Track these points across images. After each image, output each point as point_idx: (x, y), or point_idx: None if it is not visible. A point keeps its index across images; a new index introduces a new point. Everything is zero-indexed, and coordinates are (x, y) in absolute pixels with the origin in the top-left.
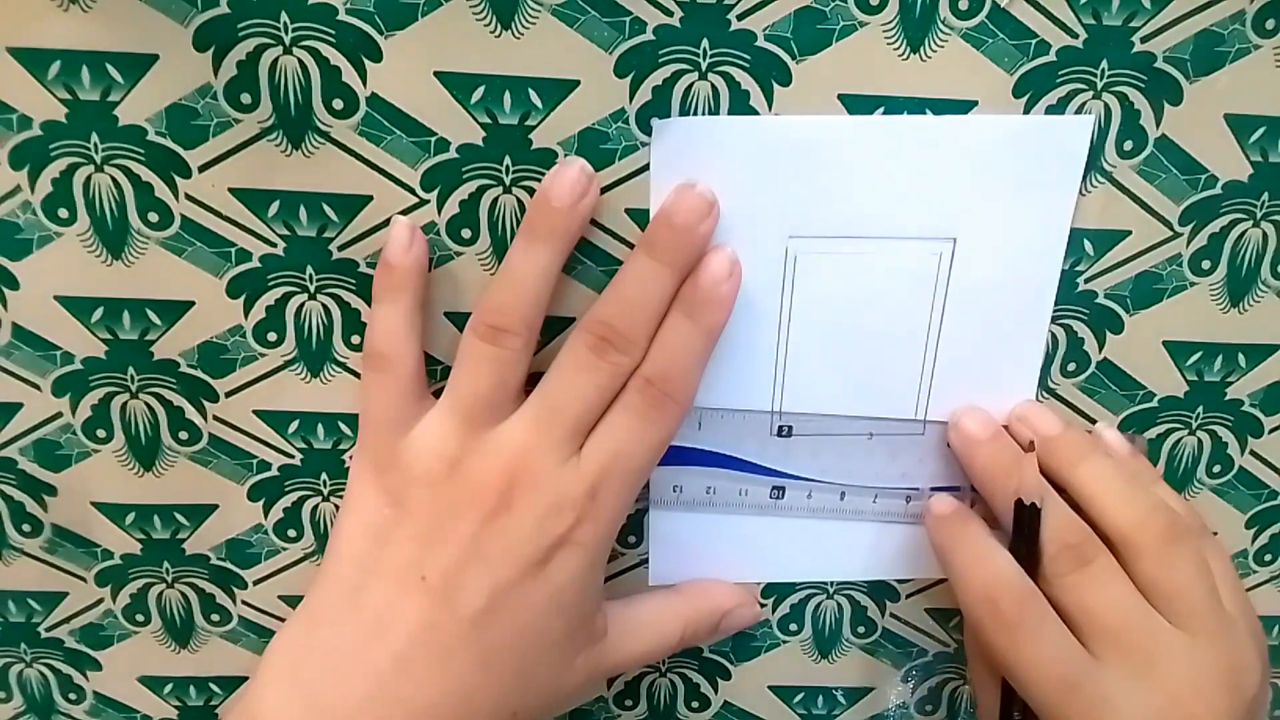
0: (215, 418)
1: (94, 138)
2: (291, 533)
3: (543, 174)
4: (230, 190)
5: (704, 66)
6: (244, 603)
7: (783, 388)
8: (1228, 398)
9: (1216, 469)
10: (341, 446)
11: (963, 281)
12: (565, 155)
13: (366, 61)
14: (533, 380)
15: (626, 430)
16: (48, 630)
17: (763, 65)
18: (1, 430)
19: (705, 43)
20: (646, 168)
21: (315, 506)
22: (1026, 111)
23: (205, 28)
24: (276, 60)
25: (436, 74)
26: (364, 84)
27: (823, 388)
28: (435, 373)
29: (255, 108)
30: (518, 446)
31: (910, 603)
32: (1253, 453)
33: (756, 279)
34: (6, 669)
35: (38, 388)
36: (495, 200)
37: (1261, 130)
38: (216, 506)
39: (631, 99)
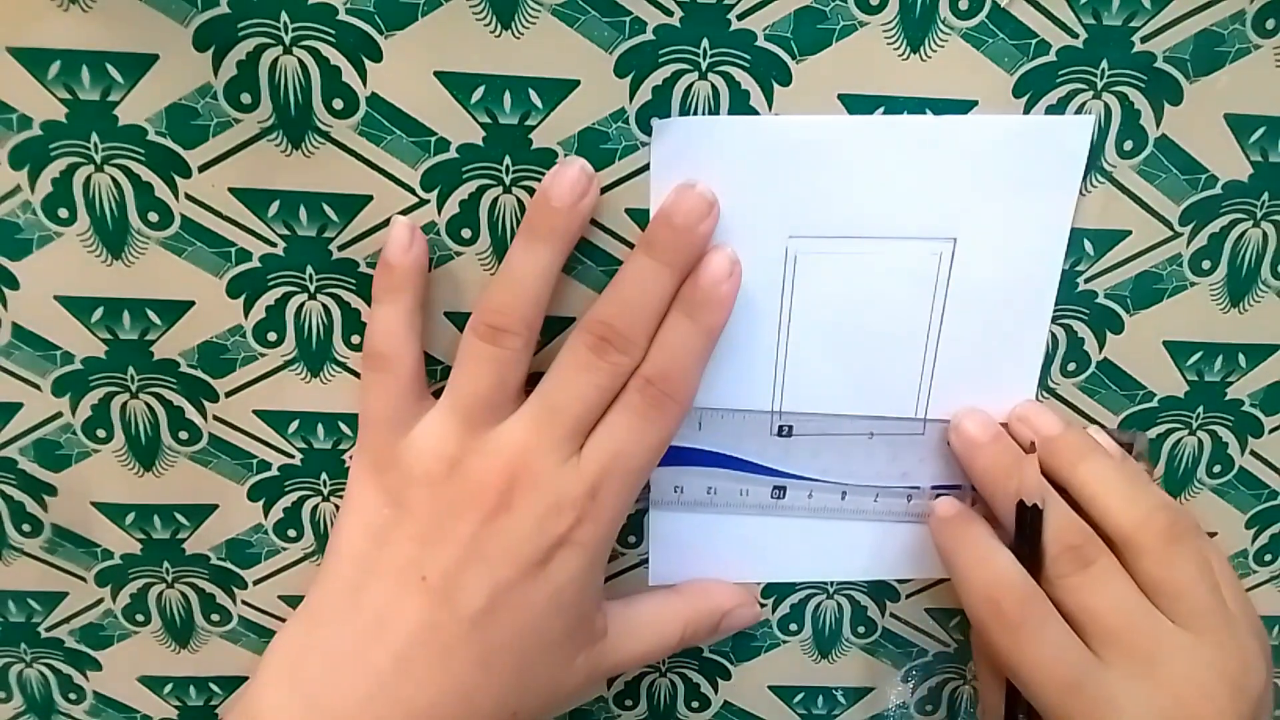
0: (215, 418)
1: (94, 138)
2: (291, 533)
3: (543, 174)
4: (230, 190)
5: (704, 66)
6: (244, 603)
7: (783, 388)
8: (1228, 398)
9: (1217, 469)
10: (341, 446)
11: (963, 281)
12: (565, 155)
13: (366, 61)
14: (533, 380)
15: (626, 430)
16: (48, 630)
17: (763, 65)
18: (1, 430)
19: (705, 43)
20: (646, 168)
21: (315, 506)
22: (1026, 111)
23: (205, 28)
24: (276, 60)
25: (436, 74)
26: (364, 84)
27: (823, 387)
28: (435, 373)
29: (255, 108)
30: (518, 446)
31: (910, 603)
32: (1253, 453)
33: (756, 279)
34: (6, 669)
35: (38, 388)
36: (495, 200)
37: (1261, 130)
38: (216, 506)
39: (631, 99)
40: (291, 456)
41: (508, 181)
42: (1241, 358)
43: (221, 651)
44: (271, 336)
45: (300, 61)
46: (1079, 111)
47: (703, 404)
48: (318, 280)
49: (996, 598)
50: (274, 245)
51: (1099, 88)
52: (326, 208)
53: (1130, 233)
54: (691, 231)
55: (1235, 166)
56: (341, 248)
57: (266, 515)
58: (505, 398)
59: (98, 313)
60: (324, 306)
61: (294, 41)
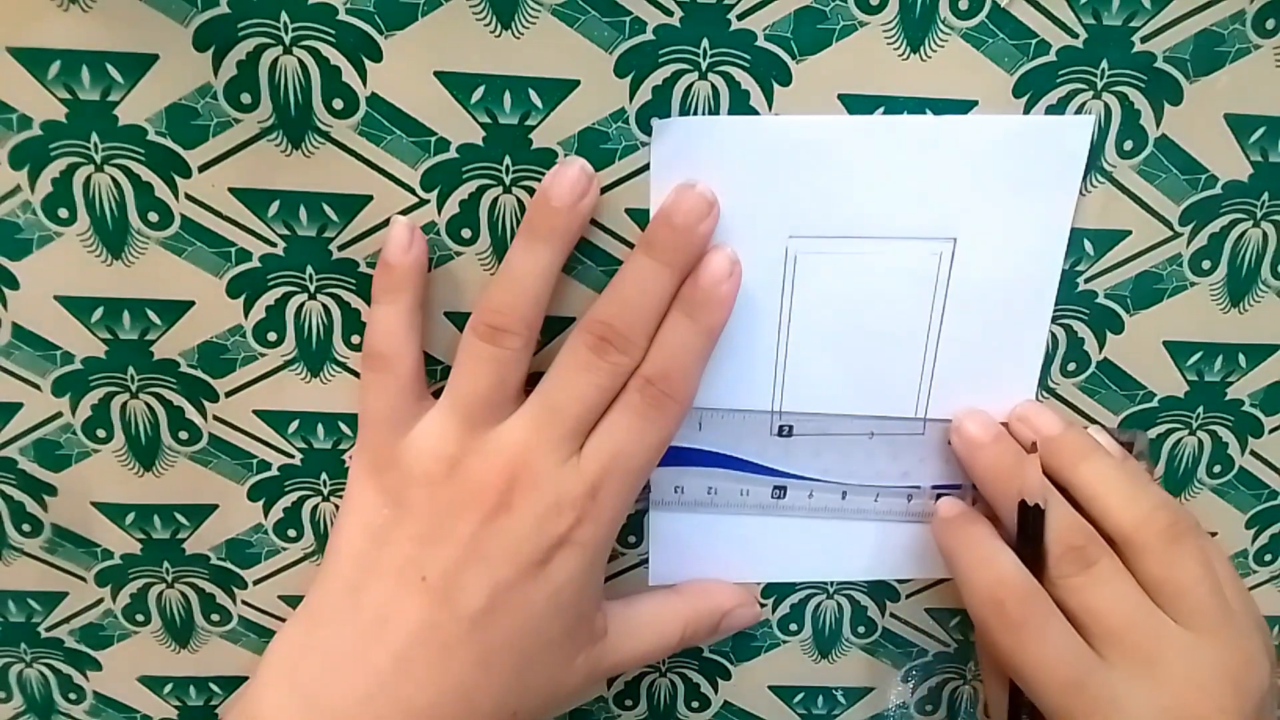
0: (215, 418)
1: (94, 138)
2: (291, 533)
3: (543, 174)
4: (230, 190)
5: (704, 66)
6: (244, 603)
7: (783, 388)
8: (1228, 398)
9: (1217, 469)
10: (341, 446)
11: (963, 281)
12: (565, 155)
13: (366, 61)
14: (533, 380)
15: (626, 430)
16: (48, 630)
17: (763, 65)
18: (1, 430)
19: (705, 43)
20: (646, 168)
21: (315, 506)
22: (1026, 111)
23: (205, 28)
24: (276, 60)
25: (436, 74)
26: (364, 84)
27: (823, 387)
28: (435, 373)
29: (255, 108)
30: (518, 446)
31: (910, 603)
32: (1253, 453)
33: (756, 279)
34: (6, 669)
35: (38, 388)
36: (495, 200)
37: (1261, 130)
38: (216, 506)
39: (631, 99)
40: (291, 456)
41: (508, 181)
42: (1241, 358)
43: (221, 651)
44: (271, 336)
45: (300, 61)
46: (1079, 111)
47: (703, 404)
48: (318, 280)
49: (999, 598)
50: (274, 245)
51: (1099, 88)
52: (326, 208)
53: (1130, 233)
54: (691, 231)
55: (1235, 166)
56: (341, 248)
57: (266, 515)
58: (505, 398)
59: (98, 313)
60: (324, 306)
61: (294, 41)
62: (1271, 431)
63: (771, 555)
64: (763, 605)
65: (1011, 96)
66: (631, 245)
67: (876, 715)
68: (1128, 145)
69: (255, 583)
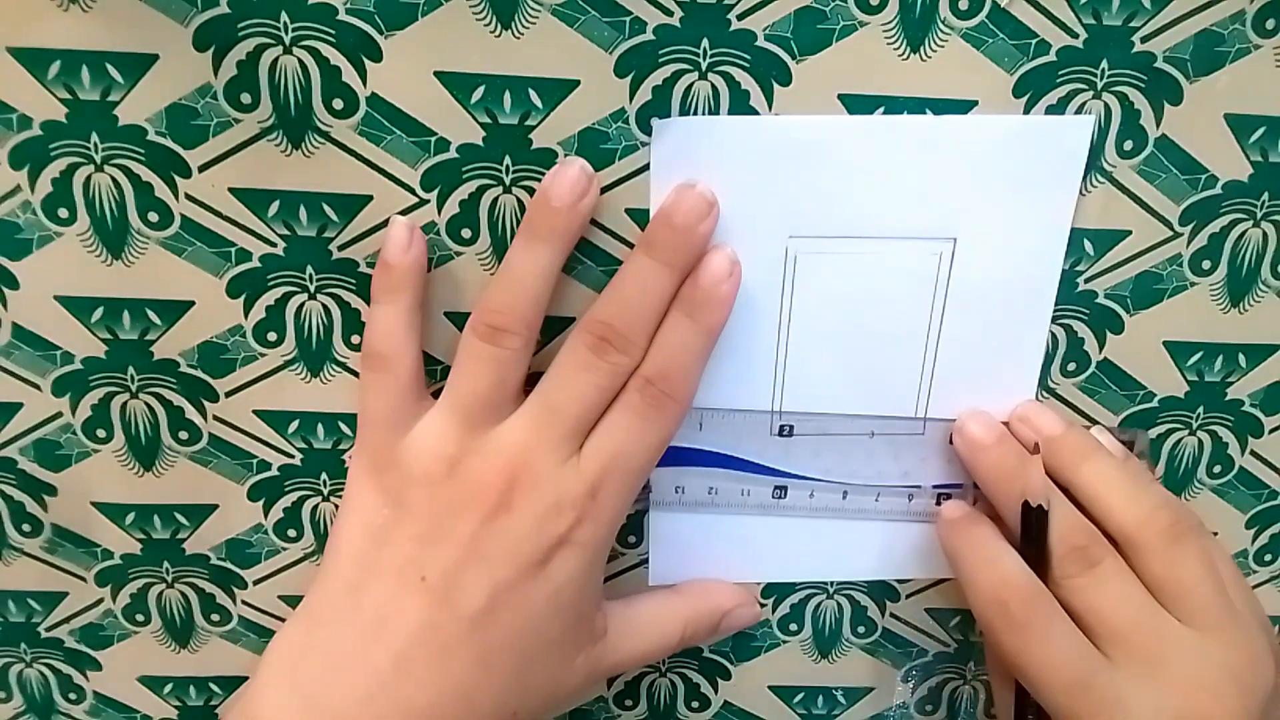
0: (215, 418)
1: (94, 138)
2: (291, 533)
3: (543, 174)
4: (230, 190)
5: (704, 66)
6: (244, 603)
7: (783, 388)
8: (1228, 398)
9: (1217, 469)
10: (341, 446)
11: (963, 281)
12: (565, 155)
13: (366, 61)
14: (533, 380)
15: (626, 430)
16: (48, 630)
17: (763, 65)
18: (1, 430)
19: (705, 43)
20: (646, 168)
21: (315, 506)
22: (1026, 111)
23: (205, 28)
24: (276, 60)
25: (436, 74)
26: (364, 84)
27: (823, 387)
28: (435, 373)
29: (255, 108)
30: (517, 446)
31: (910, 603)
32: (1253, 453)
33: (756, 279)
34: (6, 669)
35: (38, 388)
36: (495, 200)
37: (1261, 130)
38: (216, 506)
39: (631, 99)
40: (291, 456)
41: (508, 181)
42: (1241, 358)
43: (221, 651)
44: (271, 336)
45: (300, 61)
46: (1079, 111)
47: (703, 404)
48: (318, 280)
49: (1003, 598)
50: (274, 245)
51: (1099, 88)
52: (326, 208)
53: (1130, 233)
54: (691, 231)
55: (1235, 166)
56: (341, 248)
57: (266, 515)
58: (505, 398)
59: (98, 313)
60: (324, 306)
61: (294, 41)
62: (1271, 431)
63: (772, 555)
64: (763, 605)
65: (1011, 96)
66: (631, 245)
67: (876, 715)
68: (1128, 145)
69: (255, 583)
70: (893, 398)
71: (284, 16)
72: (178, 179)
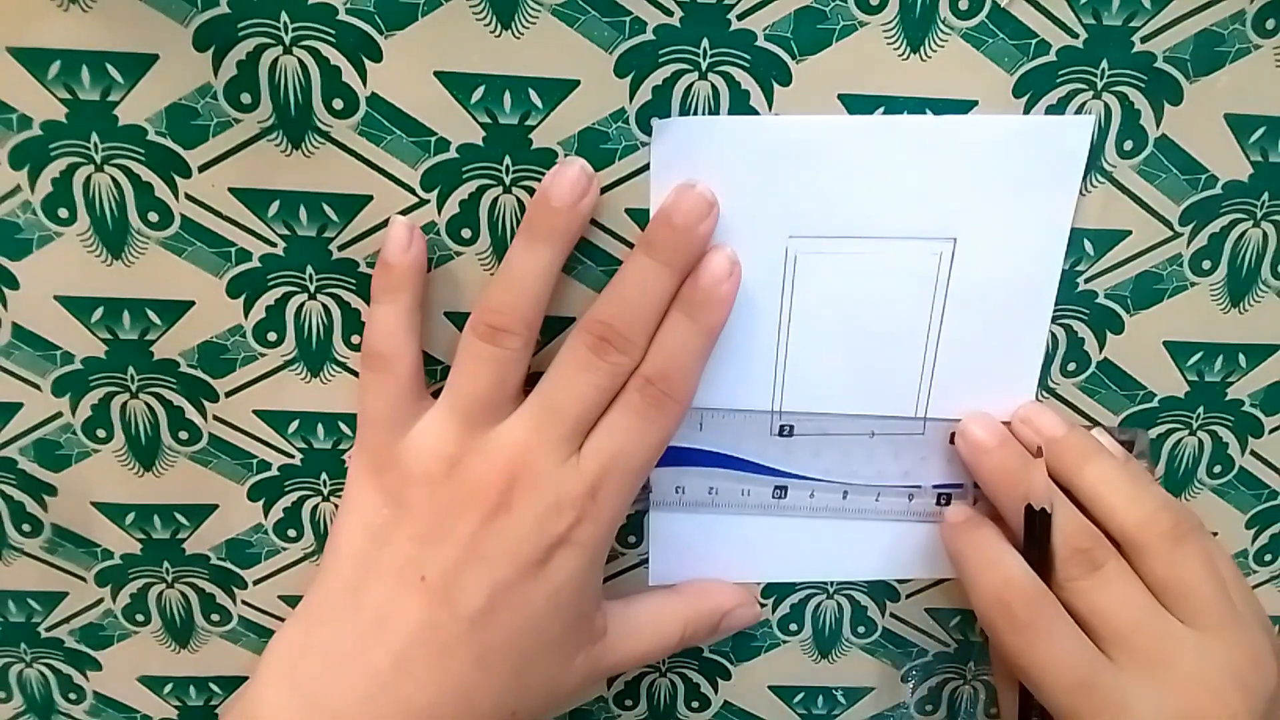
0: (215, 418)
1: (94, 138)
2: (291, 533)
3: (543, 174)
4: (230, 190)
5: (704, 66)
6: (244, 603)
7: (783, 388)
8: (1228, 398)
9: (1217, 469)
10: (341, 446)
11: (963, 281)
12: (565, 155)
13: (366, 61)
14: (533, 380)
15: (626, 430)
16: (48, 630)
17: (763, 65)
18: (1, 430)
19: (705, 43)
20: (646, 168)
21: (315, 506)
22: (1026, 111)
23: (205, 28)
24: (276, 60)
25: (436, 74)
26: (364, 84)
27: (823, 387)
28: (435, 373)
29: (255, 108)
30: (517, 446)
31: (910, 603)
32: (1253, 453)
33: (756, 279)
34: (6, 669)
35: (38, 388)
36: (495, 200)
37: (1261, 130)
38: (216, 506)
39: (631, 99)
40: (291, 456)
41: (508, 181)
42: (1241, 358)
43: (221, 651)
44: (271, 336)
45: (300, 61)
46: (1079, 111)
47: (703, 404)
48: (318, 280)
49: (1006, 599)
50: (274, 245)
51: (1099, 88)
52: (326, 208)
53: (1130, 233)
54: (691, 231)
55: (1235, 166)
56: (341, 248)
57: (266, 515)
58: (505, 397)
59: (98, 313)
60: (324, 306)
61: (294, 41)
62: (1272, 431)
63: (772, 555)
64: (763, 605)
65: (1011, 96)
66: (631, 245)
67: (876, 715)
68: (1128, 145)
69: (255, 583)
70: (893, 398)
71: (284, 16)
72: (178, 179)
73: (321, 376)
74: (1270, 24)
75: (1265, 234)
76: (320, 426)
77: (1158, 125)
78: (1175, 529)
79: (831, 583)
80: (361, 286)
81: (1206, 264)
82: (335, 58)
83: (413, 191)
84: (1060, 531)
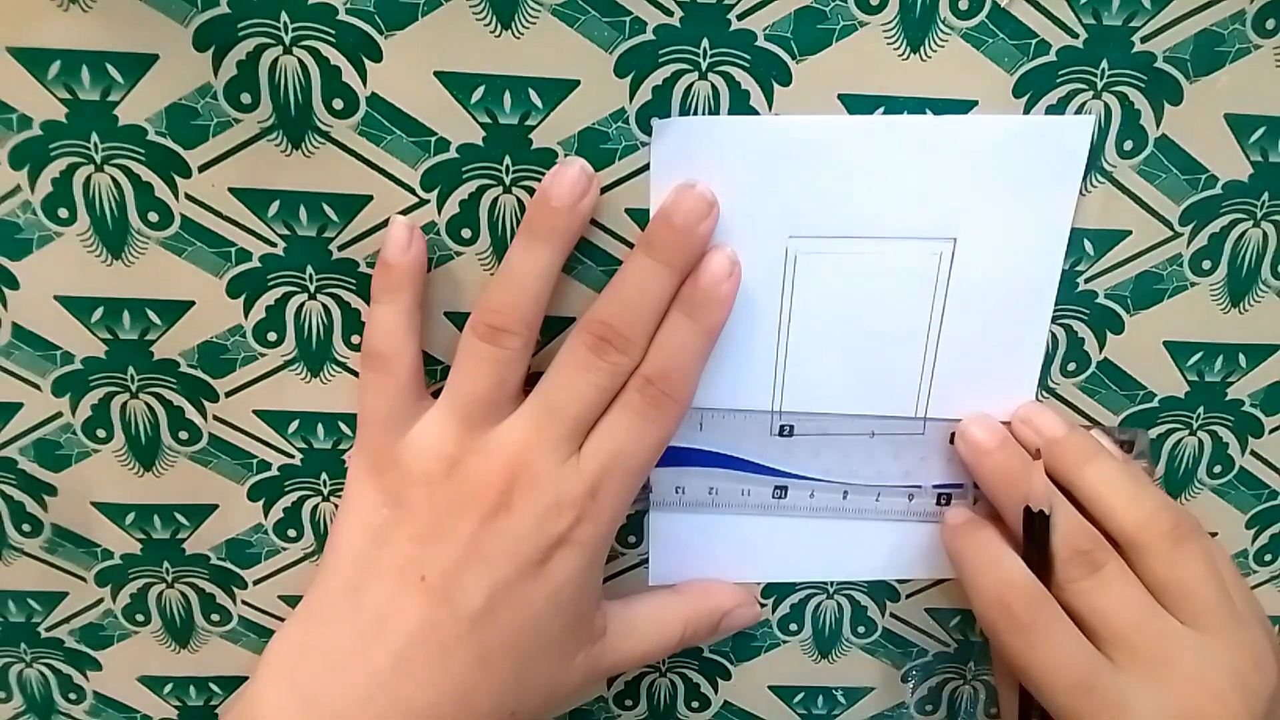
0: (215, 418)
1: (94, 138)
2: (291, 533)
3: (543, 174)
4: (230, 190)
5: (704, 66)
6: (244, 603)
7: (783, 388)
8: (1228, 398)
9: (1217, 469)
10: (341, 446)
11: (963, 281)
12: (565, 155)
13: (366, 61)
14: (533, 380)
15: (626, 430)
16: (48, 630)
17: (763, 65)
18: (1, 430)
19: (705, 43)
20: (646, 168)
21: (315, 506)
22: (1026, 111)
23: (205, 28)
24: (276, 60)
25: (436, 74)
26: (364, 84)
27: (823, 387)
28: (435, 373)
29: (255, 108)
30: (517, 446)
31: (910, 603)
32: (1253, 453)
33: (756, 279)
34: (6, 669)
35: (38, 388)
36: (495, 200)
37: (1261, 130)
38: (216, 506)
39: (631, 99)
40: (291, 456)
41: (508, 181)
42: (1242, 358)
43: (221, 651)
44: (271, 336)
45: (300, 61)
46: (1079, 111)
47: (703, 404)
48: (318, 280)
49: (1006, 600)
50: (274, 245)
51: (1099, 88)
52: (326, 208)
53: (1130, 233)
54: (691, 231)
55: (1235, 166)
56: (341, 248)
57: (266, 515)
58: (504, 397)
59: (98, 313)
60: (324, 306)
61: (294, 41)
62: (1272, 431)
63: (772, 555)
64: (763, 605)
65: (1011, 96)
66: (631, 245)
67: (876, 715)
68: (1128, 145)
69: (255, 583)
70: (893, 398)
71: (284, 16)
72: (178, 179)
73: (321, 376)
74: (1270, 24)
75: (1265, 234)
76: (320, 426)
77: (1158, 125)
78: (1175, 530)
79: (831, 583)
80: (361, 286)
81: (1206, 264)
82: (335, 58)
83: (413, 191)
84: (1060, 532)
